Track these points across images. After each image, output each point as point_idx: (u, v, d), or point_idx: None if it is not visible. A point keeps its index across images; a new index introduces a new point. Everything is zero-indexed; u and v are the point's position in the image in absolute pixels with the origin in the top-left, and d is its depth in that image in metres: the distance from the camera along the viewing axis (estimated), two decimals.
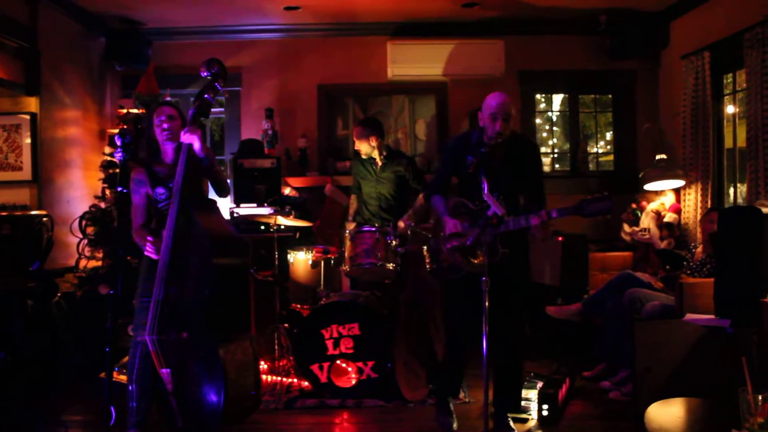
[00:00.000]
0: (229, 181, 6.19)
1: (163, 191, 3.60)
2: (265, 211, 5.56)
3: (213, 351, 3.26)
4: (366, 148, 5.29)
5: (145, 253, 3.49)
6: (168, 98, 6.33)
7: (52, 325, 5.12)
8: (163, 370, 3.36)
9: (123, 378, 4.63)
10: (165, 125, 3.66)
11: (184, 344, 3.34)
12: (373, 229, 4.78)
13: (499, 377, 3.92)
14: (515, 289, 3.82)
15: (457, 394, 4.25)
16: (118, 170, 5.68)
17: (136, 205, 3.67)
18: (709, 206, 5.48)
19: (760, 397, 2.05)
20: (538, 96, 7.21)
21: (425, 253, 3.96)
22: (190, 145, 3.49)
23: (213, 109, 7.04)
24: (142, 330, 3.38)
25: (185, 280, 3.37)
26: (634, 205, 6.02)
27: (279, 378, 4.87)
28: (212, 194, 3.84)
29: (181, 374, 3.35)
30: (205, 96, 3.62)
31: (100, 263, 5.68)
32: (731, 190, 5.77)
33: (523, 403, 4.23)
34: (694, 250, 4.98)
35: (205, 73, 3.65)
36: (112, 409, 3.35)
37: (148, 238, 3.45)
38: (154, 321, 3.32)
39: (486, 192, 3.32)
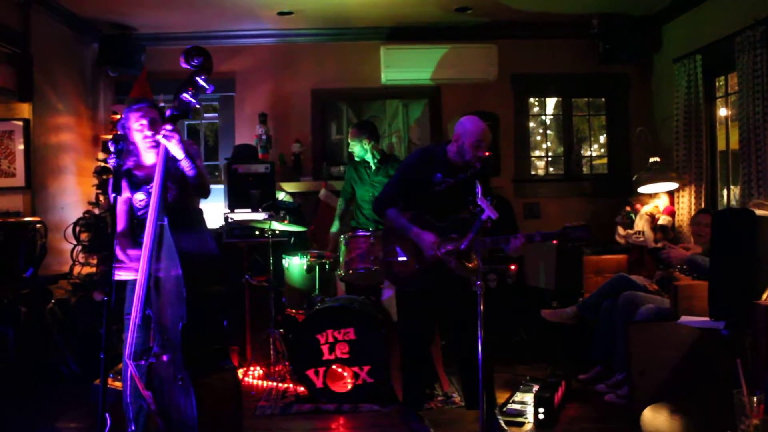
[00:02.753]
0: (223, 186, 6.21)
1: (143, 198, 3.40)
2: (260, 216, 5.55)
3: (188, 380, 3.06)
4: (359, 149, 5.31)
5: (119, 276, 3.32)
6: (162, 104, 6.31)
7: (46, 332, 5.10)
8: (146, 392, 3.24)
9: (117, 384, 4.60)
10: (148, 131, 3.39)
11: (165, 367, 3.17)
12: (368, 233, 4.78)
13: (472, 379, 3.89)
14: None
15: (423, 406, 4.22)
16: (111, 176, 5.65)
17: (118, 210, 3.45)
18: (702, 208, 5.49)
19: (755, 399, 2.06)
20: (531, 99, 7.23)
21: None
22: (167, 149, 3.16)
23: (207, 115, 7.08)
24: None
25: (163, 303, 3.18)
26: (628, 208, 6.04)
27: (275, 383, 4.87)
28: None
29: (163, 396, 3.21)
30: (182, 96, 3.15)
31: (94, 270, 5.66)
32: (724, 192, 5.79)
33: (519, 406, 4.27)
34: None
35: (185, 65, 3.17)
36: (107, 415, 3.33)
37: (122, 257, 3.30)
38: (132, 345, 3.18)
39: (480, 196, 3.33)
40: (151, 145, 3.39)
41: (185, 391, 3.08)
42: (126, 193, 3.42)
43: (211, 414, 3.13)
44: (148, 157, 3.46)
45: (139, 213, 3.43)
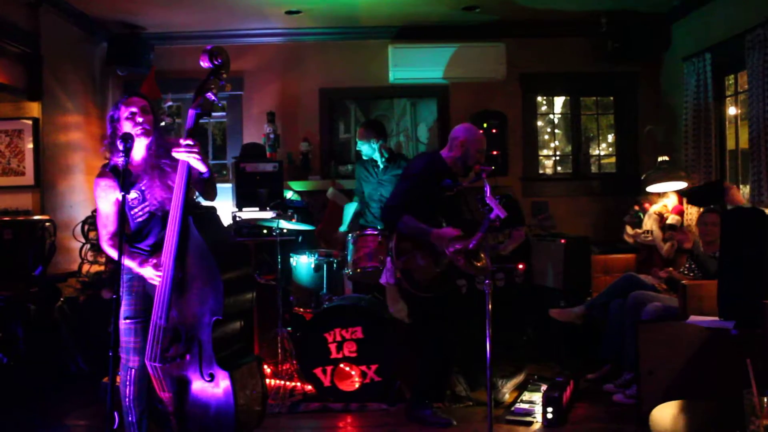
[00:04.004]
0: (231, 185, 6.22)
1: (135, 196, 3.25)
2: (268, 214, 5.56)
3: (222, 375, 3.08)
4: (367, 149, 5.32)
5: (148, 280, 3.21)
6: (170, 102, 6.34)
7: (54, 330, 5.12)
8: (164, 394, 3.21)
9: None
10: (139, 118, 3.25)
11: (186, 367, 3.16)
12: (376, 231, 4.78)
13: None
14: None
15: (439, 400, 4.33)
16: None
17: (106, 214, 3.27)
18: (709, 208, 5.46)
19: (765, 400, 2.05)
20: (539, 98, 7.21)
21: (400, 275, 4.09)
22: (189, 164, 3.11)
23: (215, 113, 7.08)
24: (134, 354, 3.23)
25: (187, 302, 3.16)
26: (636, 207, 6.01)
27: (282, 382, 4.87)
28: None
29: (184, 397, 3.19)
30: (208, 95, 3.16)
31: (102, 268, 5.67)
32: None
33: (527, 406, 4.27)
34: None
35: (208, 64, 3.15)
36: (116, 414, 3.34)
37: (149, 263, 3.17)
38: (154, 346, 3.11)
39: (488, 195, 3.34)
40: (141, 132, 3.27)
41: (216, 387, 3.09)
42: (116, 193, 3.22)
43: (243, 404, 3.15)
44: (138, 149, 3.30)
45: (132, 212, 3.30)
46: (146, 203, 3.28)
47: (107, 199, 3.27)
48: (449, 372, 4.34)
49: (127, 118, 3.27)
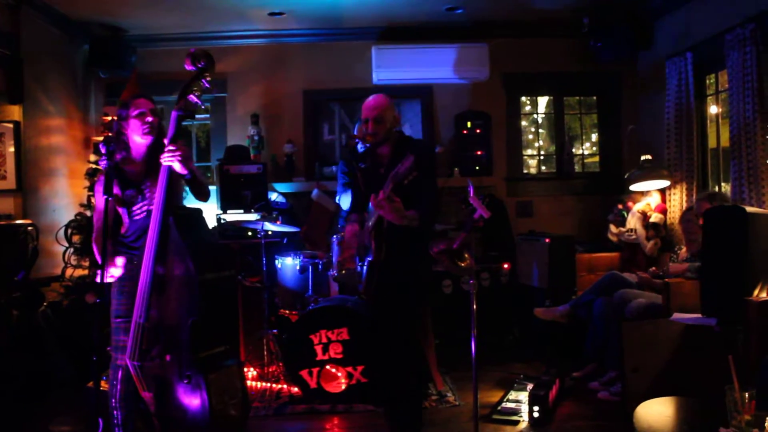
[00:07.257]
0: (215, 187, 6.20)
1: (133, 193, 3.31)
2: (252, 216, 5.54)
3: (197, 377, 3.09)
4: None
5: (109, 276, 3.21)
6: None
7: (38, 335, 5.07)
8: (146, 393, 3.22)
9: None
10: (149, 118, 3.34)
11: (167, 367, 3.16)
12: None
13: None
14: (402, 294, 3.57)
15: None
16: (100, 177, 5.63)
17: (101, 210, 3.29)
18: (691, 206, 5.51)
19: (746, 395, 2.06)
20: (523, 98, 7.23)
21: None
22: (170, 167, 3.17)
23: (198, 116, 7.06)
24: (122, 352, 3.24)
25: (167, 301, 3.17)
26: (620, 206, 6.06)
27: (268, 384, 4.86)
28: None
29: (164, 397, 3.19)
30: (190, 97, 3.21)
31: (86, 272, 5.64)
32: (715, 190, 5.80)
33: (513, 405, 4.28)
34: (678, 251, 5.02)
35: (191, 67, 3.22)
36: (100, 419, 3.31)
37: (114, 265, 3.20)
38: (135, 345, 3.14)
39: (472, 195, 3.34)
40: (146, 131, 3.34)
41: (193, 388, 3.08)
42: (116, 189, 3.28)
43: (220, 409, 3.14)
44: (141, 146, 3.38)
45: (132, 209, 3.34)
46: (146, 202, 3.33)
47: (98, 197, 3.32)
48: (425, 371, 4.28)
49: (136, 116, 3.34)
